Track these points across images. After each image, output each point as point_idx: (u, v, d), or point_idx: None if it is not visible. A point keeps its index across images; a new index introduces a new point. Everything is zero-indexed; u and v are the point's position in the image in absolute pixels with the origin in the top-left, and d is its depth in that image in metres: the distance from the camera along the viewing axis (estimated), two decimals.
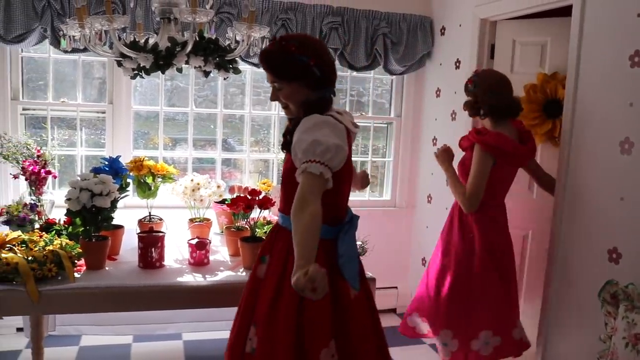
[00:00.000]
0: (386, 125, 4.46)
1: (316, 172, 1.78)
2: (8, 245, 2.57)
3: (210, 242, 2.84)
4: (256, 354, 1.93)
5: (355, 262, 2.04)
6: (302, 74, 1.90)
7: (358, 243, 2.91)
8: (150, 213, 3.10)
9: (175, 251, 2.90)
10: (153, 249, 2.66)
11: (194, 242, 2.75)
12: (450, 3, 3.90)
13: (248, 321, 2.01)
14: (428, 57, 4.13)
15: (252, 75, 4.09)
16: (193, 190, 3.08)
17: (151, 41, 2.67)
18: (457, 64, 3.80)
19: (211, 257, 2.84)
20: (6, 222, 3.03)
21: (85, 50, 2.81)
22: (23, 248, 2.55)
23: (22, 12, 3.32)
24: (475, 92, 2.92)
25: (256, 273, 2.08)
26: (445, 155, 3.04)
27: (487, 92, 2.86)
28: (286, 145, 1.98)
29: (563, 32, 2.99)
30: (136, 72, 2.69)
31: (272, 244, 2.06)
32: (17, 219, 3.01)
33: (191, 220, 3.11)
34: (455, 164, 3.02)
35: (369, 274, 2.79)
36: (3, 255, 2.43)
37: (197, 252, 2.74)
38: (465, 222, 2.93)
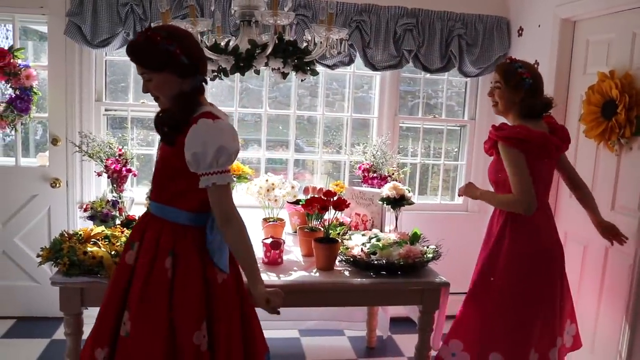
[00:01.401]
0: (459, 128, 4.37)
1: (225, 182, 1.93)
2: (93, 240, 2.68)
3: (284, 242, 2.87)
4: (130, 337, 1.98)
5: (224, 246, 2.07)
6: (169, 62, 1.94)
7: (432, 247, 2.89)
8: None
9: None
10: None
11: (268, 241, 2.79)
12: (529, 3, 3.79)
13: (120, 306, 2.04)
14: (504, 59, 4.01)
15: (326, 77, 4.10)
16: (268, 190, 3.12)
17: (231, 43, 2.73)
18: (536, 66, 3.67)
19: (284, 257, 2.87)
20: (91, 218, 3.17)
21: None
22: (106, 243, 2.66)
23: (108, 18, 3.47)
24: (528, 89, 2.59)
25: (125, 259, 2.09)
26: (470, 188, 2.84)
27: (537, 90, 2.63)
28: (166, 137, 1.99)
29: (630, 25, 2.85)
30: (216, 74, 2.75)
31: (143, 231, 2.08)
32: (101, 214, 3.15)
33: (265, 219, 3.15)
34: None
35: (442, 278, 2.76)
36: (89, 248, 2.54)
37: (272, 251, 2.78)
38: (493, 231, 2.73)
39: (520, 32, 3.89)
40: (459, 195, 2.99)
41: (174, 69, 1.96)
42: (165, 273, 1.99)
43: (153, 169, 2.13)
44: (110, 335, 2.04)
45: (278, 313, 2.04)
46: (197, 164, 1.90)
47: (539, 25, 3.66)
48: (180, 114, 1.97)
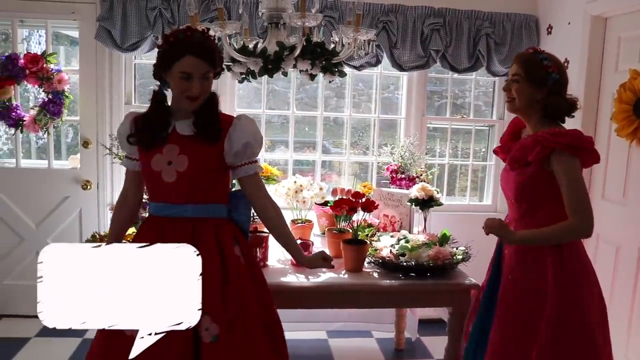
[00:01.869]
0: (487, 128, 4.33)
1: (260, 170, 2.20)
2: (123, 241, 2.72)
3: (312, 244, 2.87)
4: (224, 338, 1.95)
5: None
6: (222, 64, 2.15)
7: (461, 248, 2.86)
8: (254, 214, 3.17)
9: (278, 251, 2.95)
10: (257, 249, 2.73)
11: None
12: (558, 1, 3.73)
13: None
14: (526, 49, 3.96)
15: (352, 78, 4.10)
16: (296, 191, 3.13)
17: (259, 46, 2.74)
18: (565, 64, 3.62)
19: None
20: None
21: None
22: None
23: (137, 22, 3.52)
24: (554, 85, 2.18)
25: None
26: (503, 230, 2.15)
27: (563, 87, 2.22)
28: (213, 135, 2.04)
29: None
30: (244, 76, 2.77)
31: (190, 234, 2.04)
32: None
33: (293, 221, 3.15)
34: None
35: (472, 279, 2.73)
36: None
37: None
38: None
39: (549, 30, 3.83)
40: (486, 234, 2.21)
41: (218, 71, 2.10)
42: (239, 260, 2.08)
43: (173, 175, 2.03)
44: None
45: (333, 267, 2.36)
46: (245, 154, 2.07)
47: (569, 23, 3.60)
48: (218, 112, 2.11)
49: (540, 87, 2.17)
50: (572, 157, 2.07)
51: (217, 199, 2.10)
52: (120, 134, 2.17)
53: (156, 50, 2.97)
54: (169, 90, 2.08)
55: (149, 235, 2.03)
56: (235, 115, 2.13)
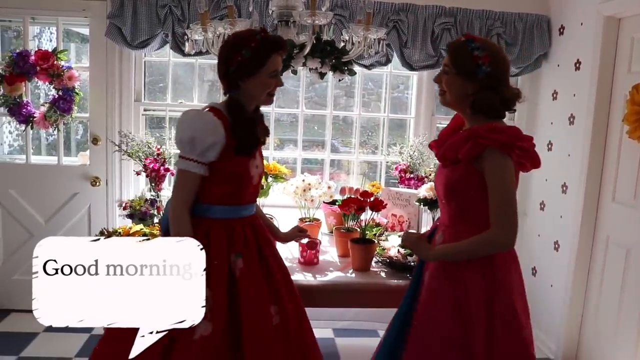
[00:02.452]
0: None
1: None
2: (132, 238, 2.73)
3: (320, 242, 2.87)
4: (291, 318, 2.16)
5: None
6: None
7: None
8: None
9: (285, 250, 2.95)
10: (309, 251, 2.79)
11: (304, 241, 2.79)
12: (571, 1, 3.69)
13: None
14: (545, 58, 3.94)
15: (362, 77, 4.08)
16: (304, 190, 3.12)
17: None
18: (577, 65, 3.59)
19: (320, 257, 2.87)
20: (130, 216, 3.23)
21: (206, 52, 2.92)
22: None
23: (147, 20, 3.52)
24: (485, 79, 1.93)
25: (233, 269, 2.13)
26: (417, 245, 2.04)
27: (498, 82, 1.95)
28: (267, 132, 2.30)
29: None
30: None
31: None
32: (140, 213, 3.20)
33: (301, 219, 3.15)
34: None
35: None
36: None
37: (308, 251, 2.78)
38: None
39: (561, 30, 3.80)
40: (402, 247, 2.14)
41: None
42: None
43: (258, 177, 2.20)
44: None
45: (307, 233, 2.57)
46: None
47: (582, 23, 3.57)
48: None
49: (470, 80, 1.93)
50: (504, 156, 1.85)
51: None
52: (208, 140, 1.96)
53: (166, 47, 2.99)
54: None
55: (243, 236, 2.10)
56: None
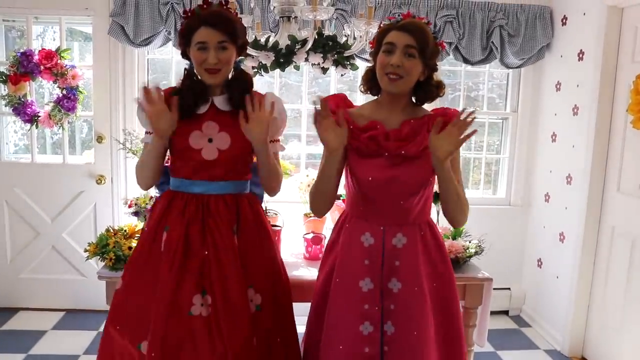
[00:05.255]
0: (501, 120, 4.29)
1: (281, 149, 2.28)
2: (137, 235, 2.74)
3: (325, 237, 2.87)
4: (266, 306, 2.07)
5: None
6: (243, 36, 2.04)
7: (474, 241, 2.84)
8: (266, 207, 3.18)
9: (291, 245, 2.96)
10: (315, 246, 2.78)
11: (309, 236, 2.80)
12: None
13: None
14: (547, 49, 3.92)
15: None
16: (309, 185, 3.12)
17: (271, 40, 2.74)
18: (581, 55, 3.58)
19: None
20: (135, 214, 3.23)
21: None
22: None
23: (150, 17, 3.53)
24: (435, 64, 1.94)
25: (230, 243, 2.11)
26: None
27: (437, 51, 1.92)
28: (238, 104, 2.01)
29: None
30: (256, 70, 2.77)
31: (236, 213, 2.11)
32: (145, 210, 3.20)
33: (306, 215, 3.16)
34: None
35: (485, 273, 2.71)
36: (133, 244, 2.60)
37: (313, 246, 2.79)
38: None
39: (564, 20, 3.79)
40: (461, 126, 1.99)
41: (239, 44, 2.02)
42: (271, 234, 2.21)
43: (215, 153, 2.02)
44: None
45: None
46: (277, 129, 2.14)
47: (584, 14, 3.56)
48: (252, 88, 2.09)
49: (426, 65, 1.89)
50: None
51: (248, 175, 2.14)
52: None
53: (169, 44, 2.98)
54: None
55: (189, 212, 2.01)
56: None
